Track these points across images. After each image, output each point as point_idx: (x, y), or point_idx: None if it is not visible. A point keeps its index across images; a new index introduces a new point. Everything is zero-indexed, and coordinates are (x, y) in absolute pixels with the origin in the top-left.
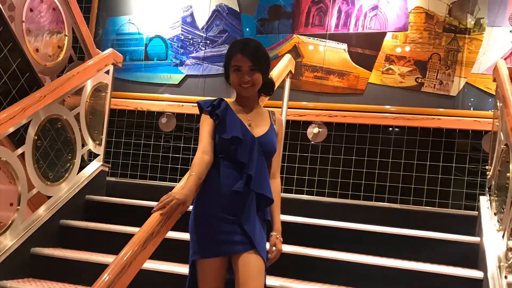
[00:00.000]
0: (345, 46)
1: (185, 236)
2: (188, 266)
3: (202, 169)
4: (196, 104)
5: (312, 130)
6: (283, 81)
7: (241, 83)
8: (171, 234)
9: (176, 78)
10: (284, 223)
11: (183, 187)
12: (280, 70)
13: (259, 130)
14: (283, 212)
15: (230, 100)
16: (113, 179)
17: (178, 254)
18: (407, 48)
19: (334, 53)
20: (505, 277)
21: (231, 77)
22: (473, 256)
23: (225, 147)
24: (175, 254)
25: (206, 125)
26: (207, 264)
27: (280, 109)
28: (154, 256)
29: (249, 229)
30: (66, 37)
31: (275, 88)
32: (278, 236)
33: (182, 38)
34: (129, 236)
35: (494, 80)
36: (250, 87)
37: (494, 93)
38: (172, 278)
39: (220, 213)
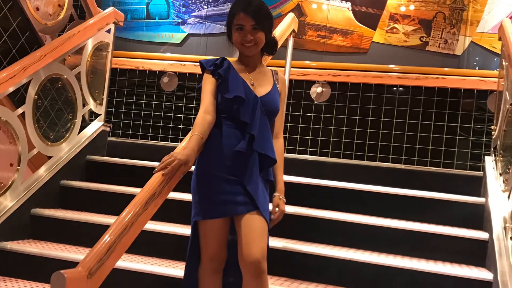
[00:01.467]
0: (348, 4)
1: (187, 196)
2: (190, 227)
3: (204, 129)
4: (198, 64)
5: (316, 90)
6: (286, 40)
7: (243, 42)
8: (173, 195)
9: (178, 37)
10: (287, 184)
11: (185, 147)
12: (283, 29)
13: (262, 89)
14: (286, 172)
15: (232, 59)
16: (114, 139)
17: (180, 215)
18: (412, 7)
19: (337, 12)
20: (511, 238)
21: (234, 36)
22: (478, 217)
23: (228, 106)
24: (177, 215)
25: (208, 84)
26: (209, 225)
27: (283, 68)
28: (156, 217)
29: (252, 189)
30: None
31: (278, 47)
32: (281, 196)
33: None
34: (131, 196)
35: (500, 39)
36: (252, 46)
37: (499, 52)
38: (174, 239)
39: (222, 173)
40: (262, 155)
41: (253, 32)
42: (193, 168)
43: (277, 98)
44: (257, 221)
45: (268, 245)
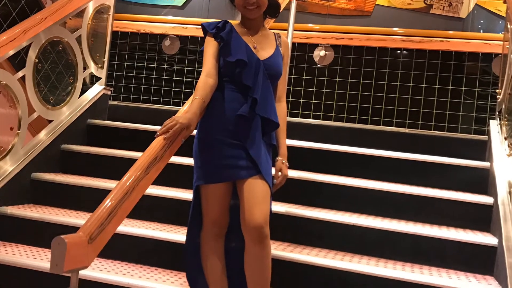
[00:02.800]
0: None
1: (189, 161)
2: (192, 192)
3: (206, 92)
4: (200, 27)
5: (319, 53)
6: (289, 3)
7: (246, 5)
8: (175, 159)
9: None
10: (289, 148)
11: (186, 111)
12: None
13: (264, 52)
14: (289, 136)
15: (235, 22)
16: (115, 102)
17: (181, 180)
18: None
19: None
20: None
21: None
22: (483, 181)
23: (230, 70)
24: (179, 179)
25: (210, 47)
26: (211, 189)
27: (286, 31)
28: (157, 182)
29: (255, 153)
30: None
31: (280, 10)
32: (283, 161)
33: None
34: (132, 161)
35: (505, 2)
36: (255, 9)
37: (504, 15)
38: (176, 204)
39: (224, 137)
40: (265, 119)
41: None
42: (195, 132)
43: (280, 61)
44: (259, 185)
45: (271, 210)
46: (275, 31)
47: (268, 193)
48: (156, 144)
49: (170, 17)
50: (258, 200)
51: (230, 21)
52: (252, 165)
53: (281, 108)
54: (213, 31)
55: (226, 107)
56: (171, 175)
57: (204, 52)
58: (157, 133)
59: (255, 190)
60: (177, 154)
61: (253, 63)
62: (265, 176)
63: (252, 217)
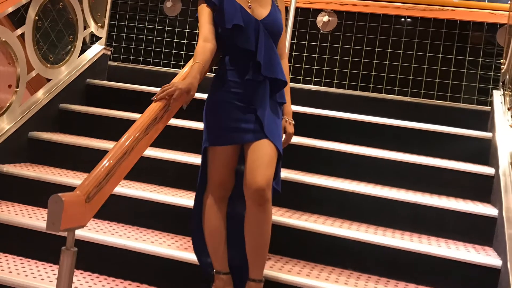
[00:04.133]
0: None
1: (189, 124)
2: (201, 154)
3: (206, 57)
4: None
5: (322, 19)
6: None
7: None
8: (175, 122)
9: None
10: None
11: (186, 75)
12: None
13: (262, 11)
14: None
15: None
16: (115, 63)
17: (181, 143)
18: None
19: None
20: None
21: None
22: (484, 152)
23: (229, 36)
24: (178, 142)
25: (204, 14)
26: (218, 152)
27: None
28: (156, 144)
29: (262, 116)
30: None
31: None
32: (287, 119)
33: None
34: (131, 122)
35: None
36: None
37: None
38: (175, 166)
39: (233, 100)
40: (273, 79)
41: None
42: (199, 95)
43: (279, 17)
44: (265, 149)
45: (279, 173)
46: None
47: (273, 157)
48: (156, 105)
49: None
50: (262, 164)
51: None
52: (260, 128)
53: (284, 65)
54: None
55: (233, 70)
56: (171, 138)
57: (199, 18)
58: (155, 98)
59: (261, 153)
60: (177, 116)
61: (252, 25)
62: (273, 140)
63: (254, 179)
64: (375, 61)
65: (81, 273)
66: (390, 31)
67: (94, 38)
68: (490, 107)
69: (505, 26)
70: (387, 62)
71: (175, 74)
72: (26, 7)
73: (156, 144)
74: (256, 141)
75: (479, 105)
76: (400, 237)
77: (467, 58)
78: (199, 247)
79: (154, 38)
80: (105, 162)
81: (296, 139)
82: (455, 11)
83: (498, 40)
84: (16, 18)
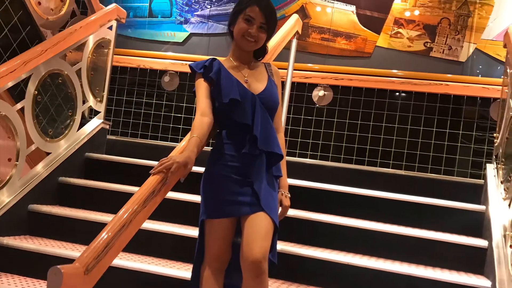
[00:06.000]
0: (353, 8)
1: (186, 197)
2: (198, 227)
3: (203, 131)
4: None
5: (318, 93)
6: (290, 42)
7: (247, 35)
8: (172, 195)
9: (180, 36)
10: None
11: (183, 149)
12: (287, 30)
13: (258, 85)
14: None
15: (222, 58)
16: (113, 137)
17: (178, 215)
18: (417, 12)
19: (342, 15)
20: (510, 246)
21: (239, 25)
22: (478, 224)
23: (226, 111)
24: (176, 214)
25: (201, 88)
26: (215, 224)
27: (285, 70)
28: (154, 216)
29: (258, 189)
30: None
31: (265, 55)
32: (283, 192)
33: None
34: (129, 195)
35: (505, 46)
36: (253, 43)
37: (503, 60)
38: (172, 239)
39: (229, 173)
40: (269, 152)
41: (259, 30)
42: (197, 168)
43: (275, 92)
44: (262, 221)
45: (275, 245)
46: (265, 61)
47: (270, 230)
48: (154, 178)
49: (170, 53)
50: (259, 236)
51: (217, 57)
52: (257, 201)
53: (280, 139)
54: (201, 71)
55: (229, 144)
56: (168, 210)
57: (196, 93)
58: (153, 171)
59: (257, 226)
60: (174, 189)
61: (249, 100)
62: (269, 213)
63: (251, 251)
64: (370, 135)
65: None
66: (385, 105)
67: (93, 112)
68: (483, 180)
69: (498, 100)
70: (382, 136)
71: (172, 148)
72: (25, 81)
73: (154, 216)
74: (252, 213)
75: (473, 178)
76: None
77: (460, 132)
78: None
79: (152, 112)
80: (103, 235)
81: (292, 212)
82: (449, 86)
83: (491, 114)
84: (16, 93)
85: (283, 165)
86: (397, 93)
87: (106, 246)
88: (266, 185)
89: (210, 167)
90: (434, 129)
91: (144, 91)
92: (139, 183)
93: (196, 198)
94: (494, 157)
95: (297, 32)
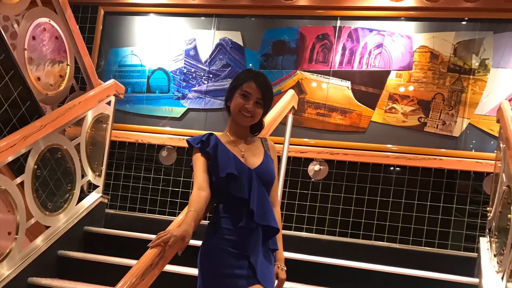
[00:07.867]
0: (348, 83)
1: (185, 270)
2: None
3: (200, 205)
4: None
5: (313, 167)
6: (286, 117)
7: (243, 110)
8: (170, 268)
9: (178, 111)
10: None
11: (181, 223)
12: (283, 105)
13: (254, 160)
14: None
15: (219, 133)
16: (112, 211)
17: None
18: (411, 88)
19: (337, 90)
20: None
21: (236, 101)
22: None
23: (223, 185)
24: None
25: (199, 163)
26: None
27: (282, 145)
28: None
29: (255, 262)
30: (68, 67)
31: (262, 130)
32: (279, 265)
33: (185, 71)
34: (127, 268)
35: (498, 121)
36: (249, 118)
37: (497, 135)
38: None
39: (227, 247)
40: (265, 226)
41: (255, 105)
42: (194, 242)
43: (271, 166)
44: None
45: None
46: (261, 136)
47: None
48: (152, 251)
49: (168, 128)
50: None
51: (214, 132)
52: (253, 274)
53: (276, 213)
54: (198, 146)
55: (226, 218)
56: (165, 284)
57: (193, 167)
58: (150, 245)
59: None
60: (172, 263)
61: (245, 174)
62: (266, 285)
63: None
64: (365, 209)
65: None
66: (379, 179)
67: (92, 186)
68: (477, 254)
69: (492, 174)
70: (377, 210)
71: (170, 222)
72: (25, 156)
73: None
74: (249, 286)
75: (466, 252)
76: None
77: (454, 206)
78: None
79: (150, 186)
80: None
81: (288, 285)
82: (442, 160)
83: (484, 188)
84: (16, 167)
85: (279, 239)
86: (392, 168)
87: None
88: (262, 258)
89: (207, 240)
90: (428, 203)
91: (142, 165)
92: (137, 256)
93: (194, 271)
94: (487, 230)
95: (293, 107)
